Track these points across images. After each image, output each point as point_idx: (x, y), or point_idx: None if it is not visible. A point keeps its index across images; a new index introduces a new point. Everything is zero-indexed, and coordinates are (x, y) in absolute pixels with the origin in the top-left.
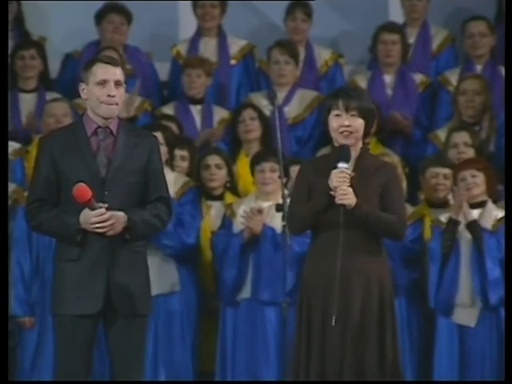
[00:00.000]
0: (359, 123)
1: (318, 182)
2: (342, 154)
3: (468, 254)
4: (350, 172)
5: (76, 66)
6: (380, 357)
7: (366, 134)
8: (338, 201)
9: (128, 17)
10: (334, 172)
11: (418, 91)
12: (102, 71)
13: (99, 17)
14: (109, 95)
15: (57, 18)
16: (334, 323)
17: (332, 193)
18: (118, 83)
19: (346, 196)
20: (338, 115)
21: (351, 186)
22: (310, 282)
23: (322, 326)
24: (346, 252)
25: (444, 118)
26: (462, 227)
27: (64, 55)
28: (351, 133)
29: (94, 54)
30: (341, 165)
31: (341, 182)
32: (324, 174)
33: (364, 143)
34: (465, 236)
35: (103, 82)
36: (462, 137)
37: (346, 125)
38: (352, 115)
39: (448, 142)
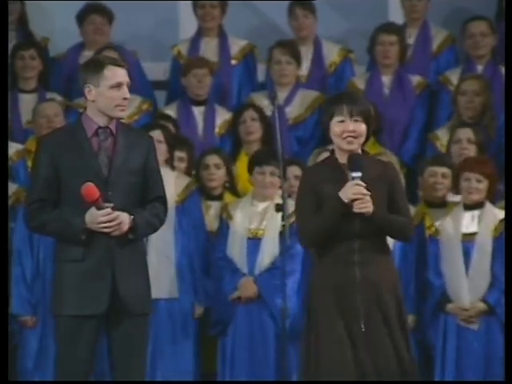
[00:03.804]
0: (363, 128)
1: (327, 191)
2: (355, 162)
3: (471, 256)
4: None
5: (61, 68)
6: (397, 359)
7: (368, 137)
8: (357, 210)
9: (109, 17)
10: (348, 183)
11: (416, 93)
12: (114, 74)
13: (80, 18)
14: (125, 98)
15: (61, 19)
16: (363, 328)
17: (347, 203)
18: (127, 85)
19: (365, 205)
20: (341, 121)
21: (369, 194)
22: (324, 291)
23: (335, 331)
24: (362, 259)
25: (444, 118)
26: (457, 233)
27: (49, 58)
28: (355, 138)
29: (78, 55)
30: (354, 174)
31: (358, 192)
32: (331, 182)
33: (364, 147)
34: (458, 239)
35: (118, 85)
36: (465, 133)
37: (350, 130)
38: (356, 120)
39: (452, 138)
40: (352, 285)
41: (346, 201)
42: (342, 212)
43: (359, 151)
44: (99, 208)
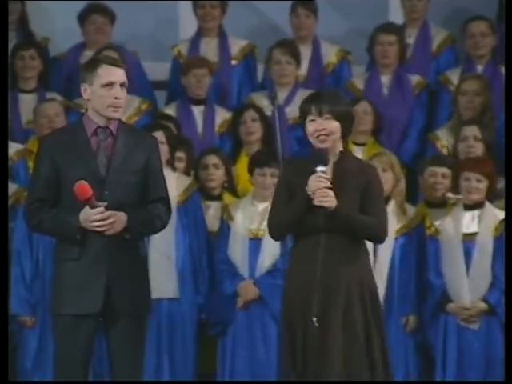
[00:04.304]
0: (334, 126)
1: (298, 185)
2: (320, 157)
3: (471, 256)
4: (327, 175)
5: (62, 68)
6: (368, 357)
7: (345, 135)
8: (318, 203)
9: (111, 17)
10: (312, 176)
11: (415, 92)
12: (107, 73)
13: (82, 18)
14: (116, 97)
15: (61, 19)
16: (315, 324)
17: (311, 196)
18: (122, 85)
19: (325, 198)
20: (312, 120)
21: (331, 188)
22: (293, 286)
23: (305, 328)
24: (327, 255)
25: (444, 118)
26: (457, 232)
27: (50, 58)
28: (327, 136)
29: (79, 55)
30: (319, 168)
31: (319, 185)
32: (303, 177)
33: (344, 145)
34: (458, 239)
35: (110, 84)
36: (472, 130)
37: (320, 129)
38: (326, 118)
39: (458, 136)
40: (313, 281)
41: (309, 193)
42: (307, 205)
43: (338, 149)
44: (92, 207)
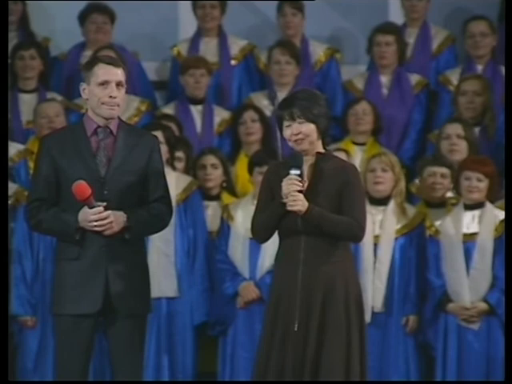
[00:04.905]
0: (309, 128)
1: (278, 187)
2: (294, 160)
3: (472, 256)
4: (301, 178)
5: (63, 68)
6: (346, 357)
7: (323, 135)
8: (289, 207)
9: (111, 16)
10: (284, 179)
11: (414, 92)
12: (103, 72)
13: (82, 18)
14: (110, 96)
15: (62, 19)
16: (296, 328)
17: (284, 200)
18: (119, 84)
19: (295, 202)
20: (288, 125)
21: (302, 191)
22: (276, 289)
23: (285, 331)
24: (307, 257)
25: (444, 118)
26: (457, 233)
27: (51, 58)
28: (303, 139)
29: (80, 55)
30: (292, 171)
31: (290, 189)
32: (283, 179)
33: (324, 146)
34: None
35: (105, 83)
36: (454, 128)
37: (296, 133)
38: (300, 122)
39: (441, 134)
40: (294, 284)
41: (283, 196)
42: (282, 210)
43: (316, 149)
44: (90, 206)
